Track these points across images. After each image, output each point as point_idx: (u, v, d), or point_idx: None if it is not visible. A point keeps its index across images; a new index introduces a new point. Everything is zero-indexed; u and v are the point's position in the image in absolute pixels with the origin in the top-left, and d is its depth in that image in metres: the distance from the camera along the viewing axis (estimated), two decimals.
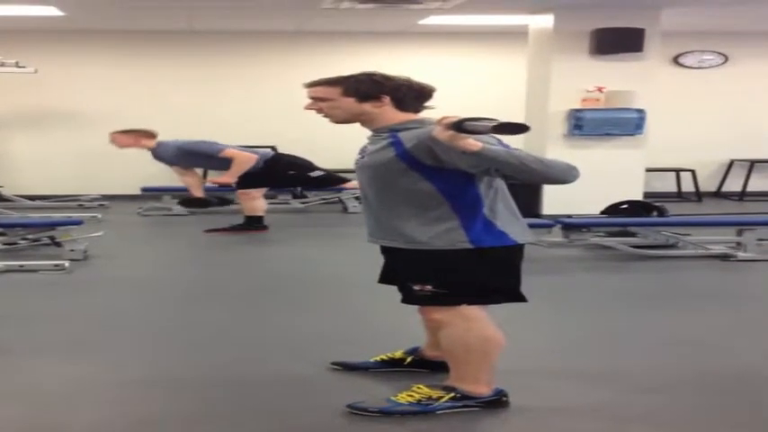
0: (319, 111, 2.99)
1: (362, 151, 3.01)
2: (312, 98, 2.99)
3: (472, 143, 2.54)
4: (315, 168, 7.52)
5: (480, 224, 2.81)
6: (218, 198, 7.85)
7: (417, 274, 2.90)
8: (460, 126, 2.50)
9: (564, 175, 2.64)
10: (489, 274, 2.88)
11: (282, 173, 7.39)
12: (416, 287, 2.89)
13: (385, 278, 3.16)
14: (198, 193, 7.51)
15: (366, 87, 2.89)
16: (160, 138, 7.43)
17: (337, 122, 3.01)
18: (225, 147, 7.19)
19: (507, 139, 2.67)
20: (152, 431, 2.91)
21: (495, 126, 2.46)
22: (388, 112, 2.89)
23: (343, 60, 9.97)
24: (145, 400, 3.20)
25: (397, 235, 2.89)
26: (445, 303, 2.90)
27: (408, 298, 2.97)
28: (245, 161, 7.10)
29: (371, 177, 2.93)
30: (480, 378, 3.01)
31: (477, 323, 2.92)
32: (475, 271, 2.85)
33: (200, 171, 8.07)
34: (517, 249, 2.91)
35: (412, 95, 2.93)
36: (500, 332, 2.98)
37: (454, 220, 2.80)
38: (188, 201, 7.61)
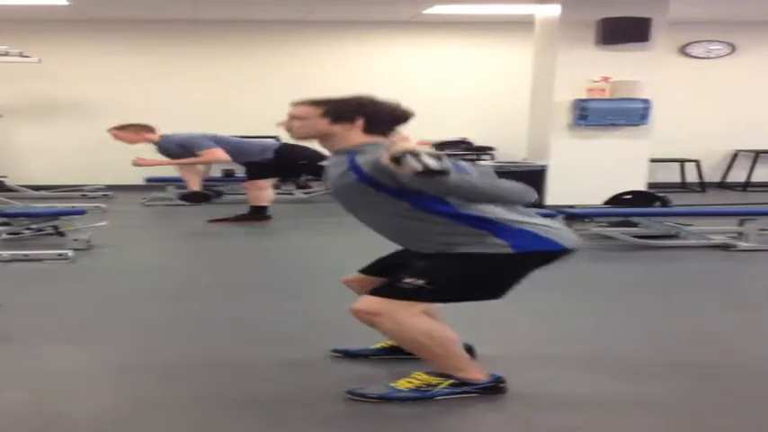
0: (289, 129, 3.02)
1: (326, 176, 3.02)
2: (290, 116, 3.01)
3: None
4: (324, 157, 7.46)
5: (506, 230, 2.80)
6: (215, 192, 7.82)
7: (421, 270, 2.86)
8: (398, 158, 2.56)
9: (518, 197, 2.79)
10: (504, 277, 2.88)
11: (293, 163, 7.31)
12: (408, 280, 2.84)
13: (373, 269, 3.19)
14: (195, 187, 7.48)
15: (346, 110, 2.91)
16: (163, 129, 7.40)
17: (299, 139, 3.04)
18: (208, 147, 7.04)
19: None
20: (154, 417, 2.92)
21: (419, 171, 2.51)
22: (352, 134, 2.90)
23: (349, 50, 10.03)
24: (146, 387, 3.22)
25: (425, 245, 2.88)
26: (425, 299, 2.88)
27: (386, 289, 2.88)
28: (214, 158, 7.18)
29: (351, 202, 2.95)
30: (461, 366, 3.00)
31: (407, 320, 2.85)
32: (486, 272, 2.85)
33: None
34: (555, 253, 2.88)
35: (388, 120, 2.94)
36: (435, 322, 2.99)
37: (464, 227, 2.80)
38: (187, 195, 7.59)
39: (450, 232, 2.81)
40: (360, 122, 2.89)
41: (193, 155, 7.11)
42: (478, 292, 2.92)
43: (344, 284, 3.32)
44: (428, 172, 2.52)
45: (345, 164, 2.86)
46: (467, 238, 2.80)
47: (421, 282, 2.81)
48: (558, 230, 2.90)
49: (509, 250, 2.78)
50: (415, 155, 2.54)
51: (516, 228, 2.80)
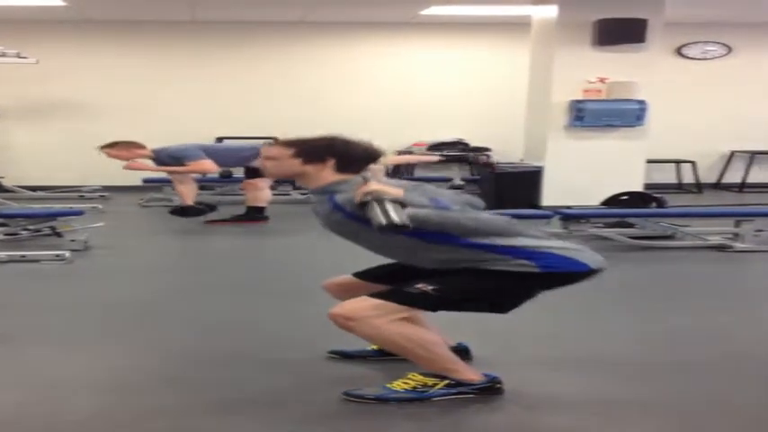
0: (264, 168, 3.10)
1: (316, 212, 3.06)
2: (264, 156, 3.09)
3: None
4: None
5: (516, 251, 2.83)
6: (208, 205, 7.74)
7: (435, 278, 2.88)
8: (364, 203, 2.67)
9: (503, 231, 2.82)
10: (522, 294, 2.93)
11: None
12: (419, 285, 2.87)
13: (369, 274, 3.21)
14: (188, 201, 7.43)
15: (317, 150, 2.96)
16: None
17: (273, 177, 3.15)
18: (197, 158, 7.02)
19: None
20: (150, 420, 2.92)
21: (380, 226, 2.61)
22: (324, 174, 2.97)
23: (346, 51, 10.04)
24: (143, 389, 3.21)
25: (442, 266, 2.90)
26: (427, 307, 2.90)
27: (391, 293, 2.90)
28: (201, 169, 7.16)
29: (350, 236, 2.99)
30: (452, 367, 3.02)
31: (384, 325, 2.87)
32: (504, 287, 2.88)
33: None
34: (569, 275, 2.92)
35: (359, 159, 2.99)
36: (413, 326, 2.99)
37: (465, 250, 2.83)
38: (179, 210, 7.44)
39: (466, 259, 2.85)
40: (331, 162, 2.95)
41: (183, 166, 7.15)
42: (489, 306, 2.97)
43: (325, 289, 3.37)
44: (390, 226, 2.60)
45: (328, 204, 2.92)
46: (487, 262, 2.84)
47: (430, 288, 2.84)
48: (581, 252, 2.93)
49: (535, 270, 2.81)
50: (380, 201, 2.62)
51: (542, 251, 2.84)
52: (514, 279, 2.83)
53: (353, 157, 2.97)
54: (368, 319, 2.84)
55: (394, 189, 2.75)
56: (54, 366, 3.49)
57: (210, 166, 7.06)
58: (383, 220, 2.60)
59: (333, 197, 2.90)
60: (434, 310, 2.93)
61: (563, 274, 2.86)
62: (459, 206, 2.93)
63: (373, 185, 2.72)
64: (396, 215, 2.61)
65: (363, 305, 2.87)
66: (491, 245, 2.81)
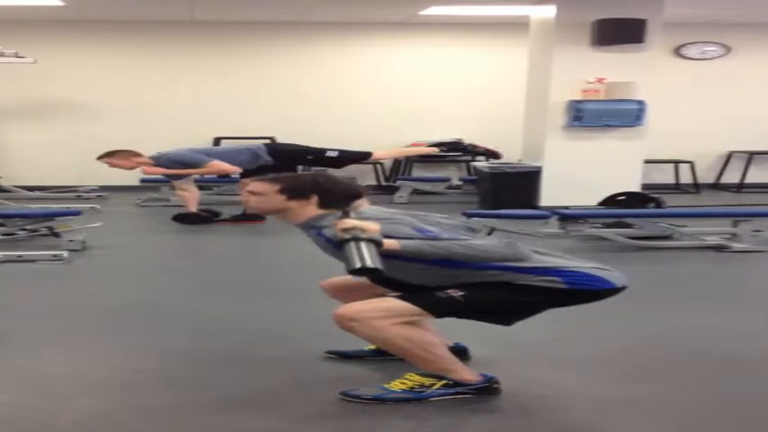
0: (247, 202, 3.14)
1: (315, 243, 3.09)
2: (248, 191, 3.12)
3: (390, 243, 2.73)
4: (325, 150, 7.32)
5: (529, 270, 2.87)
6: (211, 212, 7.70)
7: (464, 284, 2.90)
8: (342, 239, 2.70)
9: (502, 255, 2.82)
10: (540, 308, 3.00)
11: (296, 160, 7.24)
12: (450, 290, 2.89)
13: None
14: (192, 208, 7.42)
15: (301, 187, 3.01)
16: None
17: (257, 212, 3.22)
18: (206, 161, 7.08)
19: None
20: (148, 419, 2.92)
21: (352, 270, 2.64)
22: (307, 210, 3.02)
23: (345, 50, 10.04)
24: (142, 389, 3.21)
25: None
26: (446, 312, 2.91)
27: (420, 297, 2.92)
28: (218, 170, 7.18)
29: None
30: (450, 368, 3.03)
31: (384, 326, 2.89)
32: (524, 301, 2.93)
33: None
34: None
35: (342, 196, 3.02)
36: (414, 327, 2.97)
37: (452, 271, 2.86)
38: (182, 216, 7.43)
39: (490, 280, 2.87)
40: (314, 199, 3.00)
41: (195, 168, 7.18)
42: (498, 317, 2.99)
43: (322, 289, 3.42)
44: (363, 270, 2.61)
45: (320, 239, 2.98)
46: (512, 279, 2.87)
47: (459, 294, 2.87)
48: (606, 271, 2.98)
49: (561, 286, 2.86)
50: (356, 240, 2.64)
51: (564, 269, 2.89)
52: (540, 294, 2.88)
53: (337, 193, 3.02)
54: (371, 321, 2.86)
55: (371, 225, 2.76)
56: (54, 366, 3.49)
57: (226, 167, 7.09)
58: (356, 264, 2.61)
59: (321, 232, 2.95)
60: (441, 316, 2.95)
61: (587, 291, 2.92)
62: (459, 232, 2.94)
63: (349, 222, 2.75)
64: (369, 258, 2.62)
65: (370, 307, 2.90)
66: (507, 266, 2.85)
